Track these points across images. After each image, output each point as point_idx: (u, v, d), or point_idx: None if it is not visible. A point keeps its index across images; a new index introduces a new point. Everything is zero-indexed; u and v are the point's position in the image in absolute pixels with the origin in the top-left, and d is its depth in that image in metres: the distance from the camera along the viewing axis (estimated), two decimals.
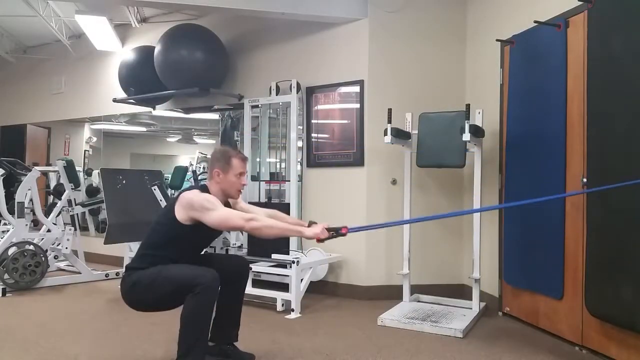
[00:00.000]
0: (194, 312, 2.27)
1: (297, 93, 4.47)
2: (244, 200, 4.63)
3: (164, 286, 2.33)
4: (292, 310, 3.70)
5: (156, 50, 4.94)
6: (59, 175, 5.39)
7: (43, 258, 4.55)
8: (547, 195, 3.16)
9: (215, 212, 2.33)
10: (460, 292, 4.18)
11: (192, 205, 2.37)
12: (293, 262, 3.72)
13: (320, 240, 2.34)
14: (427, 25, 4.38)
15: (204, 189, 2.49)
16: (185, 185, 5.22)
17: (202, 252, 2.74)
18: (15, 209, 4.65)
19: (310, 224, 2.45)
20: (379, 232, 4.23)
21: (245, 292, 3.91)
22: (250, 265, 3.95)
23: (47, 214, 5.10)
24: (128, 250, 4.70)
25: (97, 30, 5.70)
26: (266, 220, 2.40)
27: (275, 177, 4.91)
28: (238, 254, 2.58)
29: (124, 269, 2.51)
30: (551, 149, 3.13)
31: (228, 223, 2.38)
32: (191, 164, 6.35)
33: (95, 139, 6.93)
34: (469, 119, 3.38)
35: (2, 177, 4.89)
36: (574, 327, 2.97)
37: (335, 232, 2.35)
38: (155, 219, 2.55)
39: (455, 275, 4.31)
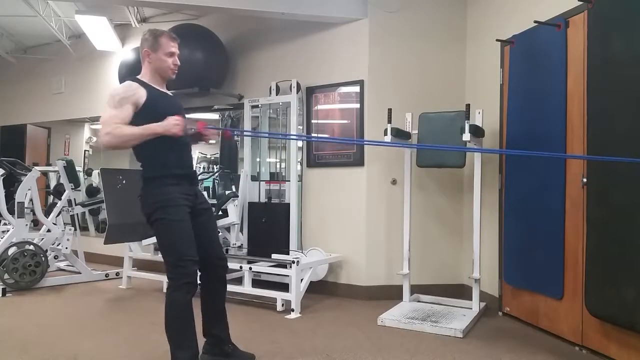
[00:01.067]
0: (173, 309, 2.32)
1: (297, 93, 4.47)
2: (243, 199, 4.67)
3: (157, 232, 2.40)
4: (292, 310, 3.70)
5: None
6: (59, 175, 5.39)
7: (43, 258, 4.55)
8: (548, 195, 3.17)
9: (106, 110, 2.30)
10: (460, 292, 4.18)
11: (107, 101, 2.34)
12: (293, 262, 3.72)
13: (178, 135, 2.28)
14: (427, 25, 4.38)
15: (134, 78, 2.45)
16: None
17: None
18: (15, 209, 4.65)
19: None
20: (379, 232, 4.23)
21: (245, 292, 3.95)
22: (250, 265, 3.97)
23: (47, 214, 5.10)
24: (128, 250, 4.71)
25: (97, 30, 5.70)
26: (121, 128, 2.28)
27: (275, 177, 4.91)
28: (222, 257, 2.53)
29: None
30: (551, 149, 3.13)
31: (103, 125, 2.29)
32: None
33: (95, 139, 6.93)
34: (469, 119, 3.39)
35: (2, 177, 4.89)
36: (574, 327, 2.97)
37: (191, 127, 2.35)
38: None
39: (455, 275, 4.31)
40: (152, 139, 2.32)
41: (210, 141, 7.33)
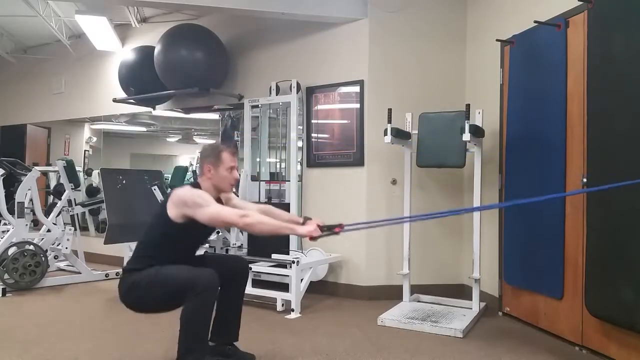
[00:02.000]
0: (193, 312, 2.26)
1: (297, 93, 4.47)
2: (243, 199, 4.66)
3: (163, 287, 2.32)
4: (292, 310, 3.70)
5: (156, 50, 4.94)
6: (59, 175, 5.39)
7: (43, 258, 4.55)
8: (548, 195, 3.17)
9: (207, 208, 2.32)
10: (460, 292, 4.18)
11: (184, 201, 2.36)
12: (293, 262, 3.72)
13: (313, 239, 2.32)
14: (427, 25, 4.38)
15: (196, 186, 2.48)
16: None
17: (201, 252, 2.73)
18: (15, 209, 4.65)
19: (305, 220, 2.43)
20: (379, 232, 4.23)
21: (245, 292, 3.93)
22: (250, 265, 3.96)
23: (47, 214, 5.10)
24: (128, 250, 4.70)
25: (97, 30, 5.70)
26: (259, 217, 2.36)
27: (275, 177, 4.91)
28: (237, 254, 2.55)
29: (121, 271, 2.48)
30: (551, 149, 3.13)
31: (220, 218, 2.35)
32: (191, 164, 6.35)
33: (95, 139, 6.93)
34: (469, 119, 3.39)
35: (2, 177, 4.89)
36: (574, 327, 2.97)
37: (329, 231, 2.32)
38: (150, 219, 2.54)
39: (455, 275, 4.31)
40: (178, 233, 2.38)
41: (209, 140, 7.34)
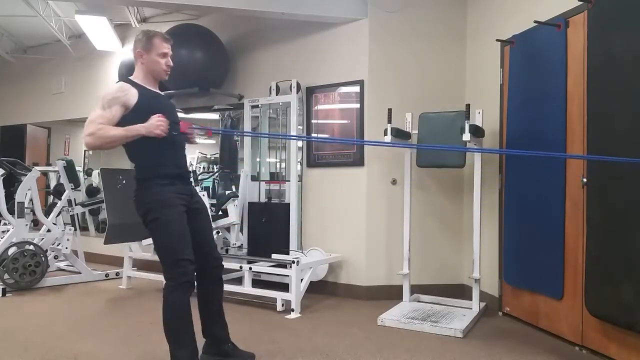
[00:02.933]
0: (169, 312, 2.33)
1: (297, 93, 4.47)
2: (243, 199, 4.67)
3: (158, 240, 2.40)
4: (292, 310, 3.70)
5: None
6: (59, 175, 5.39)
7: (43, 258, 4.55)
8: (548, 195, 3.17)
9: (95, 111, 2.30)
10: (460, 292, 4.18)
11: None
12: (293, 262, 3.72)
13: (159, 135, 2.27)
14: (427, 25, 4.38)
15: (127, 80, 2.45)
16: None
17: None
18: (15, 209, 4.65)
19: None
20: (379, 232, 4.23)
21: (245, 292, 3.95)
22: (250, 266, 3.97)
23: (47, 214, 5.10)
24: (128, 250, 4.71)
25: (97, 30, 5.70)
26: (110, 129, 2.28)
27: (275, 177, 4.91)
28: (217, 257, 2.53)
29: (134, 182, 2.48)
30: (551, 149, 3.13)
31: (88, 123, 2.28)
32: (191, 164, 6.36)
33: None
34: (469, 119, 3.39)
35: (2, 177, 4.89)
36: (574, 327, 2.97)
37: (172, 127, 2.33)
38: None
39: (455, 275, 4.31)
40: (143, 140, 2.32)
41: (209, 140, 7.33)
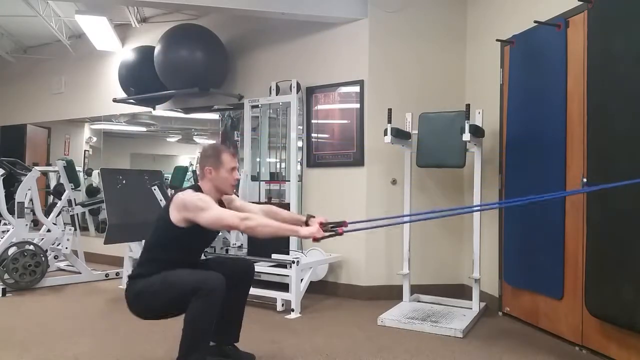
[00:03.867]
0: (197, 314, 2.25)
1: (297, 93, 4.47)
2: (243, 199, 4.66)
3: (170, 292, 2.31)
4: (292, 310, 3.70)
5: (156, 50, 4.94)
6: (59, 175, 5.39)
7: (43, 258, 4.55)
8: (548, 195, 3.17)
9: (209, 212, 2.31)
10: (460, 292, 4.18)
11: (185, 206, 2.34)
12: (293, 262, 3.72)
13: (316, 240, 2.30)
14: (427, 25, 4.38)
15: (197, 189, 2.47)
16: (186, 185, 5.22)
17: (204, 256, 2.71)
18: (15, 209, 4.65)
19: (309, 218, 2.43)
20: (379, 232, 4.22)
21: None
22: None
23: (47, 214, 5.10)
24: (128, 250, 4.71)
25: (97, 30, 5.70)
26: (261, 219, 2.35)
27: (275, 177, 4.91)
28: (244, 257, 2.56)
29: (127, 279, 2.47)
30: (551, 149, 3.13)
31: (222, 222, 2.34)
32: (191, 164, 6.35)
33: (95, 139, 6.93)
34: (469, 119, 3.39)
35: (2, 177, 4.89)
36: (574, 327, 2.97)
37: (332, 231, 2.30)
38: (153, 224, 2.52)
39: (455, 275, 4.31)
40: (182, 236, 2.37)
41: (209, 140, 7.33)
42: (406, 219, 3.69)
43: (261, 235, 2.33)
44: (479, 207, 3.59)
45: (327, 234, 2.30)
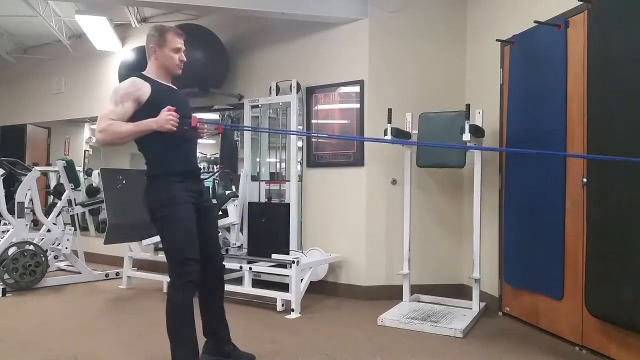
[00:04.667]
0: (175, 307, 2.33)
1: (297, 93, 4.47)
2: (243, 199, 4.67)
3: (161, 231, 2.39)
4: (292, 310, 3.70)
5: None
6: (59, 175, 5.39)
7: (43, 258, 4.55)
8: (548, 195, 3.17)
9: (106, 106, 2.30)
10: (460, 292, 4.18)
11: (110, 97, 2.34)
12: (293, 262, 3.72)
13: (166, 130, 2.25)
14: (427, 25, 4.38)
15: (140, 75, 2.44)
16: None
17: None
18: (15, 209, 4.66)
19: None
20: (379, 232, 4.23)
21: (245, 292, 3.95)
22: (250, 266, 3.97)
23: (47, 214, 5.10)
24: (128, 250, 4.71)
25: (97, 30, 5.70)
26: (118, 124, 2.27)
27: (275, 177, 4.91)
28: (220, 257, 2.54)
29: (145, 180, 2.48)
30: (551, 149, 3.13)
31: (100, 119, 2.28)
32: None
33: (95, 138, 6.92)
34: (469, 119, 3.39)
35: (2, 177, 4.89)
36: (574, 327, 2.97)
37: (185, 121, 2.31)
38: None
39: (455, 275, 4.31)
40: (155, 135, 2.31)
41: (209, 140, 7.32)
42: None
43: (114, 137, 2.27)
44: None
45: (177, 118, 2.28)
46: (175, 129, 2.29)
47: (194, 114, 2.43)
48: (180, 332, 2.34)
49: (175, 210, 2.37)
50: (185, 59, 2.54)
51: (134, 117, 2.33)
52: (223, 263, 2.67)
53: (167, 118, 2.27)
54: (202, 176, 5.43)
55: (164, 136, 2.31)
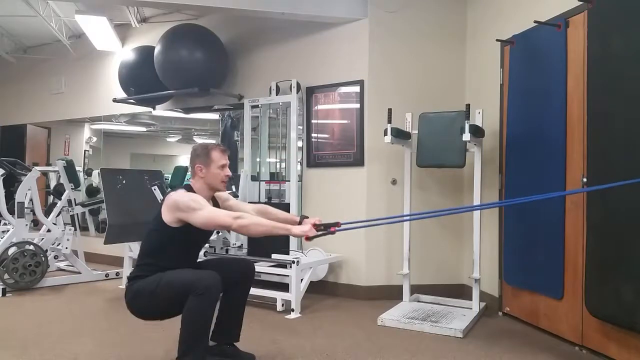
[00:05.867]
0: (194, 312, 2.26)
1: (297, 93, 4.47)
2: (243, 199, 4.67)
3: (167, 292, 2.32)
4: (292, 310, 3.70)
5: (156, 51, 4.94)
6: (59, 175, 5.39)
7: (43, 258, 4.55)
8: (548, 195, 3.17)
9: (201, 211, 2.31)
10: (460, 292, 4.18)
11: (177, 206, 2.35)
12: (293, 262, 3.72)
13: (308, 239, 2.29)
14: (427, 25, 4.38)
15: (189, 188, 2.48)
16: None
17: (205, 256, 2.72)
18: (15, 209, 4.65)
19: (302, 218, 2.43)
20: (379, 232, 4.23)
21: None
22: None
23: (47, 214, 5.10)
24: (128, 250, 4.71)
25: (97, 30, 5.70)
26: (253, 218, 2.35)
27: (275, 177, 4.91)
28: (244, 257, 2.57)
29: (126, 280, 2.48)
30: (551, 149, 3.13)
31: (215, 221, 2.34)
32: None
33: (95, 139, 6.93)
34: (469, 119, 3.39)
35: (2, 177, 4.89)
36: (574, 327, 2.97)
37: (325, 230, 2.30)
38: (147, 226, 2.53)
39: (455, 275, 4.31)
40: (177, 237, 2.39)
41: (209, 140, 7.32)
42: (405, 217, 3.69)
43: (254, 233, 2.34)
44: (478, 207, 3.59)
45: (319, 232, 2.29)
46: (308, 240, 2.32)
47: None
48: (196, 334, 2.30)
49: (165, 275, 2.37)
50: (230, 174, 2.57)
51: (175, 229, 2.38)
52: (253, 267, 2.69)
53: (311, 229, 2.28)
54: None
55: (185, 238, 2.40)
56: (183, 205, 2.34)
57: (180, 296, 2.27)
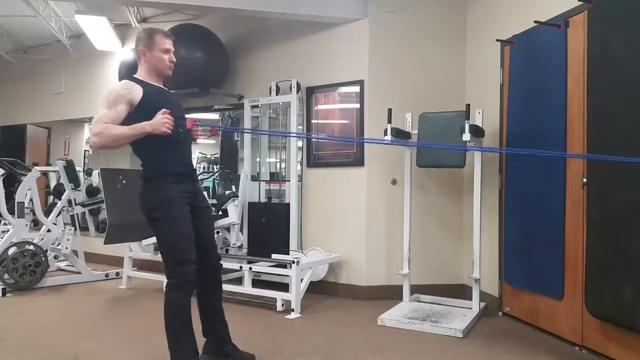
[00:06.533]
0: (173, 308, 2.33)
1: (297, 93, 4.47)
2: (243, 199, 4.67)
3: (158, 231, 2.41)
4: (292, 310, 3.70)
5: None
6: (59, 175, 5.39)
7: (43, 258, 4.55)
8: (548, 195, 3.17)
9: (102, 111, 2.30)
10: (460, 292, 4.18)
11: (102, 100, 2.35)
12: (293, 262, 3.72)
13: (161, 133, 2.25)
14: (427, 25, 4.38)
15: (133, 79, 2.44)
16: None
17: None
18: (15, 209, 4.65)
19: None
20: (379, 232, 4.23)
21: (245, 292, 3.95)
22: (250, 266, 3.97)
23: (47, 214, 5.09)
24: (128, 250, 4.71)
25: (97, 30, 5.70)
26: (112, 127, 2.27)
27: (275, 177, 4.91)
28: (215, 256, 2.55)
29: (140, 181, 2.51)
30: (551, 149, 3.13)
31: (93, 126, 2.30)
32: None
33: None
34: (469, 119, 3.39)
35: (2, 177, 4.89)
36: (574, 327, 2.97)
37: (180, 123, 2.33)
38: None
39: (455, 275, 4.31)
40: (150, 138, 2.31)
41: (209, 140, 7.33)
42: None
43: (109, 140, 2.27)
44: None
45: (178, 124, 2.31)
46: (170, 131, 2.29)
47: (188, 116, 2.44)
48: (179, 332, 2.35)
49: (171, 211, 2.38)
50: (175, 59, 2.55)
51: (128, 120, 2.33)
52: (220, 262, 2.67)
53: (162, 121, 2.28)
54: (201, 176, 5.45)
55: (159, 138, 2.31)
56: (105, 94, 2.35)
57: (163, 250, 2.39)
